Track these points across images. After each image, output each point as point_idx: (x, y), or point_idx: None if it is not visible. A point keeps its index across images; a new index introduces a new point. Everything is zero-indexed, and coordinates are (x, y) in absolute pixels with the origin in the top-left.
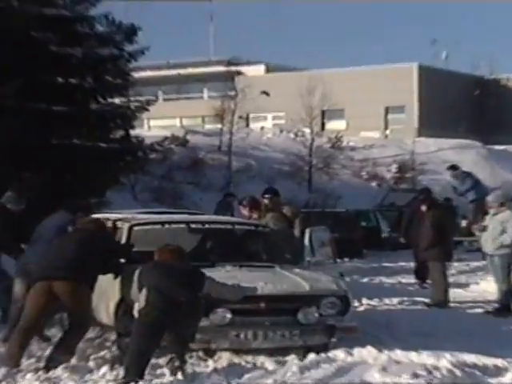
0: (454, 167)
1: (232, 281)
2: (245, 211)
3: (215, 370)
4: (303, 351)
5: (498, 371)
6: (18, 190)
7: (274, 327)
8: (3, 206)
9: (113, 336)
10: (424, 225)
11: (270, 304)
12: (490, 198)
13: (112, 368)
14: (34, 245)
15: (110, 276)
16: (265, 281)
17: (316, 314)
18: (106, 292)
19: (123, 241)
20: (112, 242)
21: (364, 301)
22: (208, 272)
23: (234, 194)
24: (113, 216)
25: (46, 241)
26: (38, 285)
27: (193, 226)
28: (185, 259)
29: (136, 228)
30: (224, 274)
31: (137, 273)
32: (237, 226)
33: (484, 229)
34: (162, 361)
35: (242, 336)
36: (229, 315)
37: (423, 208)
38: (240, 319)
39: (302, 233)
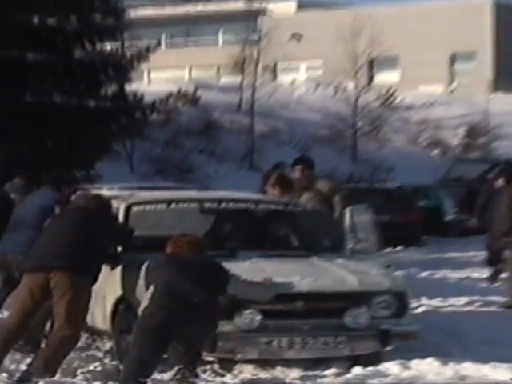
0: None
1: (260, 275)
2: (274, 191)
3: None
4: (348, 363)
5: None
6: (25, 178)
7: (315, 332)
8: (6, 196)
9: (107, 345)
10: (502, 204)
11: (309, 304)
12: None
13: None
14: (12, 232)
15: (106, 269)
16: (302, 274)
17: (367, 317)
18: (102, 289)
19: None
20: (115, 224)
21: (424, 300)
22: (229, 263)
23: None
24: (105, 193)
25: (31, 226)
26: (32, 277)
27: (206, 205)
28: (205, 253)
29: (135, 208)
30: (249, 266)
31: (144, 268)
32: (261, 205)
33: None
34: (168, 376)
35: (274, 344)
36: (258, 318)
37: (500, 183)
38: (272, 323)
39: (341, 213)
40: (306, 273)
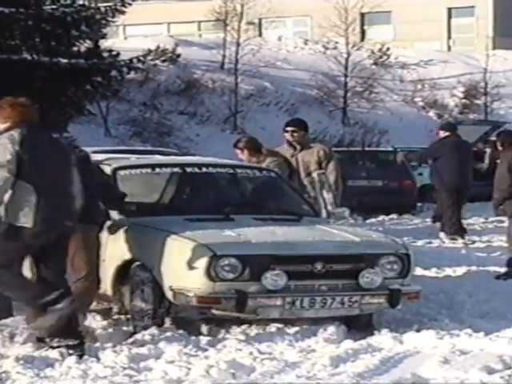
0: None
1: (272, 237)
2: (242, 155)
3: (217, 364)
4: (343, 322)
5: None
6: None
7: (333, 293)
8: None
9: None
10: (499, 170)
11: (327, 265)
12: None
13: (81, 359)
14: None
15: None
16: (313, 238)
17: (380, 277)
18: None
19: None
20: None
21: (418, 271)
22: (230, 227)
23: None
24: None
25: None
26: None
27: (189, 169)
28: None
29: (122, 172)
30: (255, 231)
31: None
32: (241, 171)
33: None
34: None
35: (297, 303)
36: (284, 279)
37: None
38: (294, 284)
39: (337, 180)
40: (315, 236)
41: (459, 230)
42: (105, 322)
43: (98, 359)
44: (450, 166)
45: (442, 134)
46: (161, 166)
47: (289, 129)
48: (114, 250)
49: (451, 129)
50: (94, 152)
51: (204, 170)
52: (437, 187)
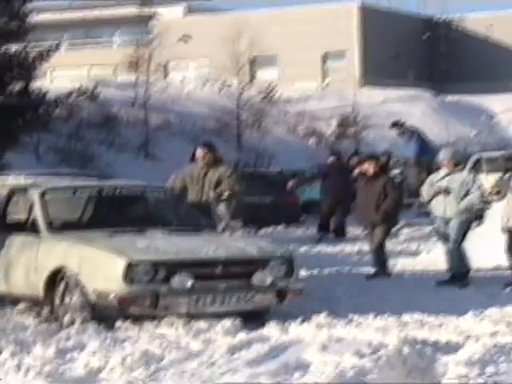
0: (397, 124)
1: (179, 245)
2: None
3: (132, 354)
4: (240, 317)
5: (451, 347)
6: None
7: (231, 291)
8: None
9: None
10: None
11: (226, 268)
12: (441, 156)
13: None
14: None
15: (35, 244)
16: (213, 246)
17: (269, 278)
18: (33, 261)
19: (37, 209)
20: None
21: (302, 272)
22: (142, 238)
23: None
24: (20, 181)
25: None
26: None
27: (106, 191)
28: None
29: (49, 194)
30: (164, 241)
31: None
32: (148, 190)
33: (446, 190)
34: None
35: (201, 301)
36: (190, 281)
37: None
38: (199, 284)
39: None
40: (214, 243)
41: (340, 228)
42: (36, 321)
43: (30, 352)
44: (334, 184)
45: (331, 158)
46: (82, 188)
47: (201, 150)
48: (46, 259)
49: (335, 156)
50: (27, 175)
51: (118, 191)
52: (324, 200)
